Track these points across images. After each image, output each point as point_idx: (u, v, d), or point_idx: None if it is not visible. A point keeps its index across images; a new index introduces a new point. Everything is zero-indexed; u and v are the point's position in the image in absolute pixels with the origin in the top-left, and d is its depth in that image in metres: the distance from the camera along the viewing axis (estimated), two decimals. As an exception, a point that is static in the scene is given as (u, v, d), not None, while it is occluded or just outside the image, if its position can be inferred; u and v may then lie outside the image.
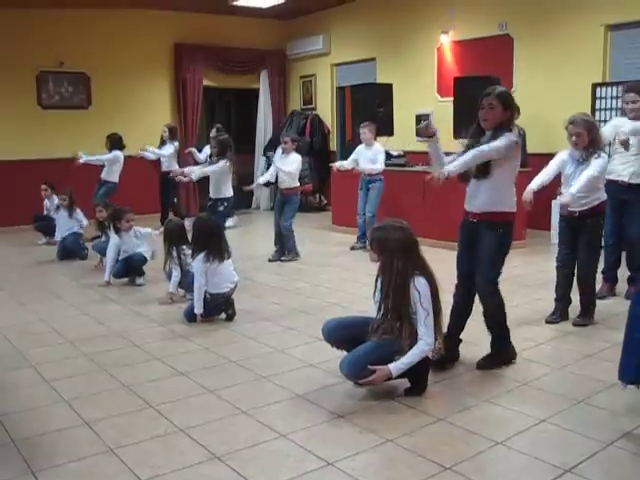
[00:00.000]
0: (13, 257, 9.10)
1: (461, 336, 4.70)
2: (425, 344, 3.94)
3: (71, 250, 8.68)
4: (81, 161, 9.79)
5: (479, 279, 4.49)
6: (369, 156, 9.05)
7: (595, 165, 5.23)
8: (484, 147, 4.26)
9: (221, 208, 7.78)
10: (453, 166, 4.29)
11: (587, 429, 3.52)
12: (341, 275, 7.64)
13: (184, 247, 6.29)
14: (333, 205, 11.22)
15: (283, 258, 8.46)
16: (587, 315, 5.51)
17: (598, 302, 5.72)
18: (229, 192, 7.83)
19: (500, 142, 4.24)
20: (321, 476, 3.13)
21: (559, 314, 5.58)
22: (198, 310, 5.70)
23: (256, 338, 5.29)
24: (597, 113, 8.44)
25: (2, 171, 9.76)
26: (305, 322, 5.69)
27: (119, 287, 7.14)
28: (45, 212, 9.47)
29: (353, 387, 4.17)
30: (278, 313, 6.03)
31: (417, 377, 4.11)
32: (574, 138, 5.27)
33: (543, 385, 4.20)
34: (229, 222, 10.52)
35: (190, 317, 5.76)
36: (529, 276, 6.80)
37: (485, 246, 4.42)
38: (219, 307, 5.84)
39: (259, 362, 4.73)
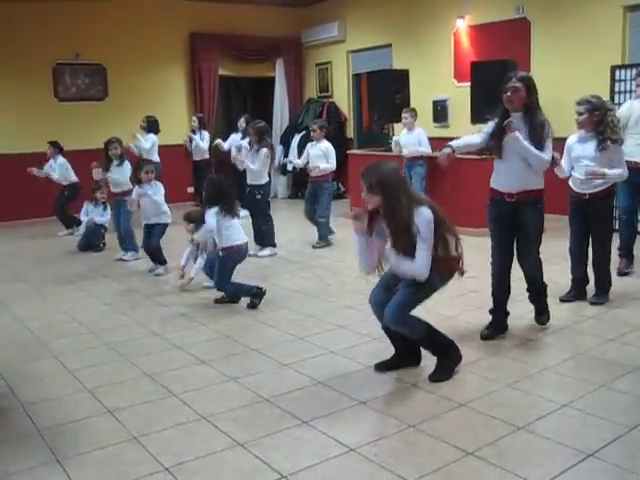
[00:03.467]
0: (33, 249, 9.17)
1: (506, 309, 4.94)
2: (415, 268, 3.90)
3: (90, 241, 8.75)
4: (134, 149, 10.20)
5: (527, 252, 4.76)
6: (411, 140, 9.12)
7: (620, 168, 5.29)
8: (545, 158, 4.58)
9: (258, 197, 7.97)
10: (524, 143, 4.52)
11: (609, 413, 3.51)
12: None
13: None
14: (351, 192, 11.19)
15: (315, 245, 8.53)
16: (603, 294, 5.58)
17: (619, 280, 5.80)
18: (265, 179, 8.02)
19: (550, 153, 4.61)
20: (343, 462, 3.14)
21: (574, 293, 5.65)
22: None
23: (276, 326, 5.30)
24: (616, 96, 8.35)
25: (20, 164, 9.80)
26: (325, 309, 5.70)
27: (140, 276, 7.17)
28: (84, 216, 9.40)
29: (374, 373, 4.18)
30: (298, 301, 6.04)
31: (445, 364, 4.13)
32: (576, 116, 5.31)
33: (564, 370, 4.18)
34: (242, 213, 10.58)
35: (218, 283, 6.02)
36: (548, 260, 6.75)
37: (530, 222, 4.68)
38: (234, 264, 6.03)
39: (280, 350, 4.75)
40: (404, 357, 4.28)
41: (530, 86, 4.56)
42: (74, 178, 9.90)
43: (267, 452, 3.24)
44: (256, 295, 5.89)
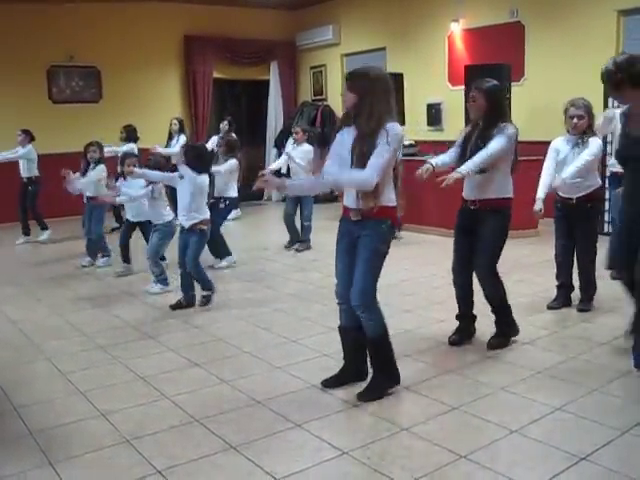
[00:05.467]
0: (25, 252, 9.16)
1: (474, 313, 4.88)
2: (364, 173, 3.61)
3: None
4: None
5: (480, 263, 4.63)
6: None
7: (592, 147, 5.21)
8: (491, 150, 4.39)
9: (222, 206, 7.53)
10: (467, 168, 4.39)
11: (602, 417, 3.51)
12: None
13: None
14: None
15: (298, 247, 8.48)
16: (588, 301, 5.53)
17: (610, 284, 5.74)
18: (233, 192, 7.64)
19: (502, 140, 4.41)
20: (336, 465, 3.14)
21: (561, 300, 5.60)
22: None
23: (269, 329, 5.30)
24: (610, 100, 8.37)
25: (15, 166, 9.77)
26: (318, 312, 5.70)
27: (132, 278, 7.16)
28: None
29: (367, 377, 4.17)
30: (291, 303, 6.03)
31: (380, 383, 3.94)
32: (575, 120, 5.25)
33: (557, 373, 4.18)
34: (231, 214, 10.57)
35: None
36: (540, 265, 6.77)
37: (486, 232, 4.55)
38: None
39: (273, 352, 4.74)
40: (351, 371, 4.11)
41: (489, 95, 4.47)
42: (37, 172, 9.64)
43: (260, 455, 3.23)
44: (210, 292, 6.00)
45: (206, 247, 6.48)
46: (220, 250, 7.66)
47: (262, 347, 4.87)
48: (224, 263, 7.67)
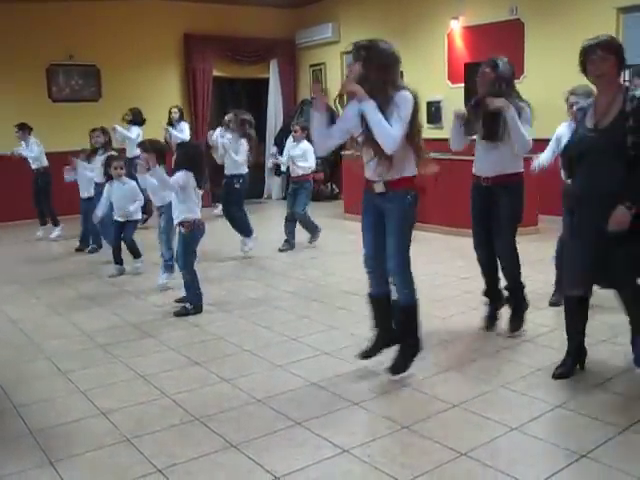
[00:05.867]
0: (25, 250, 9.14)
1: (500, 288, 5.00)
2: (390, 131, 3.72)
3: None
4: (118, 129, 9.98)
5: (501, 239, 4.72)
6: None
7: None
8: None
9: (237, 185, 7.95)
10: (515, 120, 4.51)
11: (603, 414, 3.51)
12: (354, 263, 7.59)
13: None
14: (345, 194, 11.20)
15: (311, 241, 8.58)
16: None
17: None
18: (244, 169, 8.03)
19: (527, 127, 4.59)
20: (337, 463, 3.14)
21: (558, 296, 5.56)
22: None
23: (270, 327, 5.30)
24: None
25: (13, 165, 9.75)
26: (318, 310, 5.70)
27: (131, 277, 7.16)
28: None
29: (368, 374, 4.18)
30: (291, 301, 6.04)
31: (407, 352, 4.13)
32: (574, 108, 5.25)
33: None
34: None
35: None
36: (541, 262, 6.77)
37: (503, 208, 4.66)
38: (197, 243, 5.82)
39: (273, 351, 4.74)
40: (384, 337, 4.24)
41: (498, 71, 4.64)
42: (45, 162, 9.73)
43: (260, 453, 3.23)
44: (196, 307, 5.71)
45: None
46: (244, 229, 8.04)
47: (262, 345, 4.87)
48: (250, 244, 8.01)
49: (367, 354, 4.24)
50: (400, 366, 4.09)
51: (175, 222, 5.83)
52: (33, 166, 9.70)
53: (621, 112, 3.64)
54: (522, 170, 4.77)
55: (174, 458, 3.21)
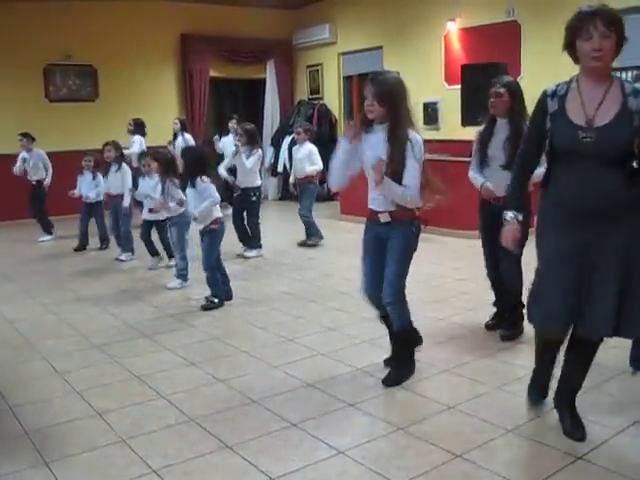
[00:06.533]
0: (21, 250, 9.12)
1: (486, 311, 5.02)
2: (408, 189, 3.78)
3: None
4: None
5: (506, 258, 4.62)
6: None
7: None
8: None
9: (253, 198, 7.91)
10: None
11: (599, 416, 3.51)
12: (351, 264, 7.60)
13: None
14: (341, 195, 11.20)
15: (309, 242, 8.62)
16: None
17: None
18: (259, 181, 8.01)
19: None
20: (332, 465, 3.14)
21: None
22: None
23: (266, 327, 5.30)
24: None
25: (10, 164, 9.73)
26: (315, 311, 5.70)
27: (128, 277, 7.16)
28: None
29: (363, 375, 4.18)
30: (288, 302, 6.03)
31: (403, 369, 4.14)
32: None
33: (553, 372, 4.17)
34: (227, 211, 10.61)
35: None
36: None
37: None
38: (221, 239, 6.04)
39: (269, 351, 4.74)
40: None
41: (514, 91, 4.57)
42: (44, 174, 9.67)
43: (256, 454, 3.23)
44: (220, 300, 5.92)
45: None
46: (252, 240, 8.03)
47: (259, 346, 4.86)
48: (254, 252, 7.99)
49: (389, 362, 4.30)
50: (393, 380, 4.06)
51: (203, 224, 5.89)
52: (34, 177, 9.60)
53: (623, 108, 2.99)
54: (530, 189, 4.69)
55: (169, 459, 3.21)
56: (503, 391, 3.92)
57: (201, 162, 6.01)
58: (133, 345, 4.99)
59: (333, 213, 10.93)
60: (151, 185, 7.07)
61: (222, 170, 8.25)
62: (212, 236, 5.91)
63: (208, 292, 5.94)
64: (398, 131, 3.78)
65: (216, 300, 5.88)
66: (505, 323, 4.87)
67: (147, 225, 7.47)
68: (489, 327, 4.98)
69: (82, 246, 8.80)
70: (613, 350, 4.45)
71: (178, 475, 3.07)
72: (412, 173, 3.79)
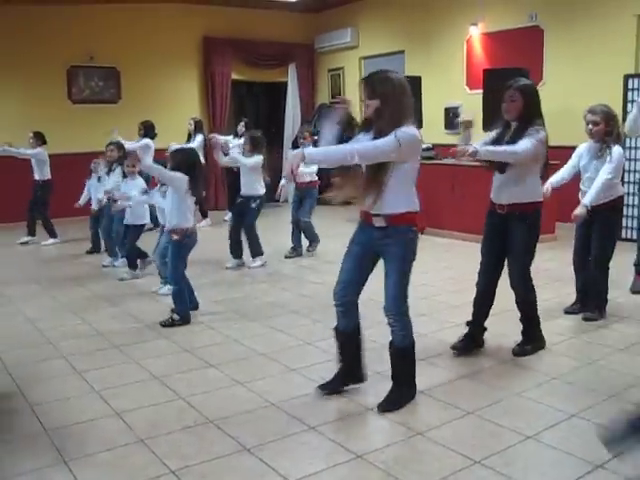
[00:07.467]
0: (41, 251, 9.20)
1: (486, 326, 4.78)
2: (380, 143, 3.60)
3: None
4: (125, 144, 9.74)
5: (513, 268, 4.56)
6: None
7: (612, 162, 5.13)
8: (518, 149, 4.24)
9: (253, 205, 7.70)
10: (485, 149, 4.22)
11: (619, 424, 3.48)
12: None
13: None
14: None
15: (309, 249, 8.50)
16: (595, 309, 5.37)
17: (633, 297, 5.69)
18: (262, 189, 7.77)
19: (528, 144, 4.25)
20: (350, 469, 3.13)
21: (579, 305, 5.52)
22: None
23: (284, 330, 5.30)
24: (629, 105, 8.31)
25: (27, 167, 9.77)
26: (333, 315, 5.64)
27: (148, 279, 7.18)
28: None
29: (382, 380, 4.16)
30: (306, 306, 6.03)
31: (400, 394, 3.88)
32: (590, 126, 5.18)
33: (573, 379, 4.15)
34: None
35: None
36: (559, 270, 6.73)
37: (517, 236, 4.49)
38: (189, 251, 5.69)
39: (288, 355, 4.74)
40: (349, 374, 4.04)
41: (527, 95, 4.41)
42: (48, 175, 9.60)
43: (274, 457, 3.23)
44: (183, 319, 5.53)
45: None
46: (253, 249, 7.81)
47: (277, 349, 4.86)
48: (258, 262, 7.80)
49: (327, 387, 4.01)
50: (387, 406, 3.78)
51: (166, 228, 5.73)
52: (36, 177, 9.56)
53: None
54: (540, 200, 4.55)
55: (187, 460, 3.22)
56: (522, 397, 3.89)
57: (189, 165, 5.56)
58: (152, 346, 5.00)
59: (352, 217, 10.90)
60: (133, 186, 7.00)
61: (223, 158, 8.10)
62: (177, 246, 5.57)
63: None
64: (385, 128, 3.62)
65: (178, 317, 5.51)
66: (523, 339, 4.70)
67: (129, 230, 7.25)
68: (455, 348, 4.67)
69: (95, 249, 8.76)
70: (637, 358, 4.43)
71: (196, 476, 3.08)
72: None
